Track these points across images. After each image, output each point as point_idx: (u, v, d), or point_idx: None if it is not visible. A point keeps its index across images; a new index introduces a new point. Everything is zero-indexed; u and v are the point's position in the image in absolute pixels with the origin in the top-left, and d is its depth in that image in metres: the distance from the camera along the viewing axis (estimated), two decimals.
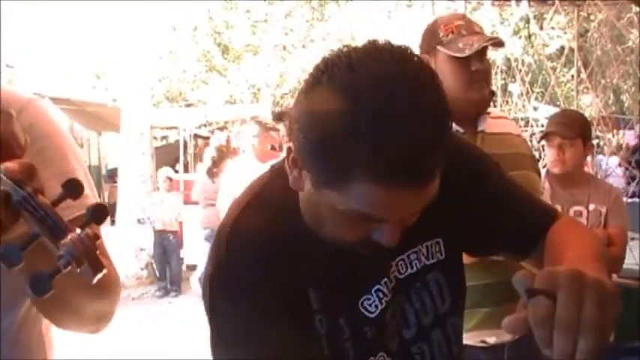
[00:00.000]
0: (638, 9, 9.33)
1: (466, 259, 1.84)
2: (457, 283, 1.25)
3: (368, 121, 0.89)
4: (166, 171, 9.55)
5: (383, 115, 0.89)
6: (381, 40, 0.97)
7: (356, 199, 0.93)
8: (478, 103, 2.07)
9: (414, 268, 1.17)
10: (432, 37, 2.10)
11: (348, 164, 0.91)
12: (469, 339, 2.02)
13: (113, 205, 10.14)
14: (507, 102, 10.61)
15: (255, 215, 1.10)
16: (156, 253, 9.20)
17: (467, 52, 2.01)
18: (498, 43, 2.10)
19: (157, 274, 9.20)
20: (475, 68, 2.03)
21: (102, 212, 0.86)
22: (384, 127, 0.88)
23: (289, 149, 1.01)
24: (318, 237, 1.05)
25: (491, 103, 2.23)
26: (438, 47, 2.06)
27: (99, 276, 0.82)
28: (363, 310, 1.12)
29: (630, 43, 10.94)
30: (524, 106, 10.51)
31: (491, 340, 2.08)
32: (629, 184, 10.00)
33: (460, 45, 2.02)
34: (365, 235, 1.01)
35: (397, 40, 0.97)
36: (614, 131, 12.74)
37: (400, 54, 0.95)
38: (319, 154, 0.94)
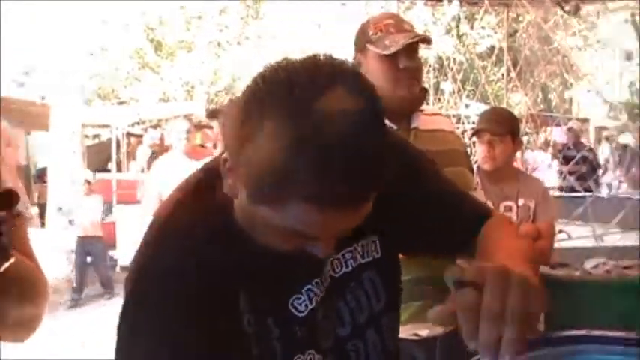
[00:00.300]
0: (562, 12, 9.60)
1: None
2: (393, 281, 1.26)
3: (306, 145, 0.86)
4: (85, 174, 9.29)
5: (321, 140, 0.86)
6: (322, 55, 0.95)
7: (291, 218, 0.92)
8: (407, 99, 2.10)
9: (350, 267, 1.17)
10: (362, 35, 2.13)
11: (285, 186, 0.88)
12: (402, 332, 2.03)
13: (43, 206, 9.89)
14: (439, 100, 10.78)
15: (187, 213, 1.08)
16: (77, 262, 8.77)
17: (392, 50, 2.03)
18: (424, 40, 2.12)
19: (74, 284, 8.72)
20: (403, 65, 2.05)
21: (5, 197, 0.83)
22: (322, 151, 0.86)
23: (225, 159, 0.98)
24: (250, 237, 1.03)
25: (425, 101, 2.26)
26: (368, 45, 2.09)
27: (6, 265, 0.79)
28: (292, 310, 1.11)
29: (556, 44, 11.25)
30: (455, 104, 10.69)
31: (424, 332, 2.10)
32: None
33: (387, 43, 2.05)
34: (298, 247, 1.00)
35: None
36: (543, 128, 13.11)
37: (341, 73, 0.92)
38: (255, 173, 0.91)
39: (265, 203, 0.93)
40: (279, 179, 0.88)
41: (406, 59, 2.05)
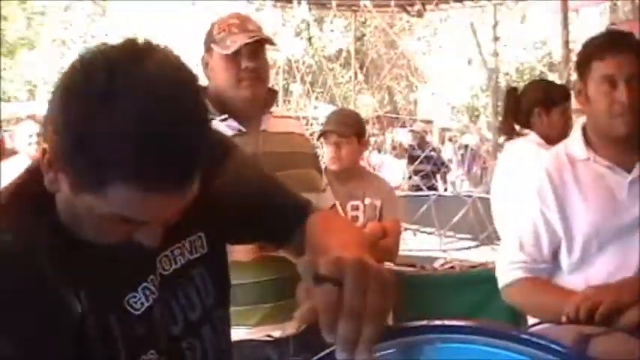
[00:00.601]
0: (408, 17, 10.00)
1: (247, 256, 1.88)
2: (221, 276, 1.27)
3: (124, 128, 0.87)
4: None
5: (139, 122, 0.88)
6: (141, 39, 0.96)
7: (114, 203, 0.92)
8: (250, 100, 2.10)
9: (179, 264, 1.18)
10: (208, 35, 2.13)
11: (105, 169, 0.89)
12: (255, 334, 2.06)
13: None
14: (289, 101, 10.93)
15: (12, 217, 1.04)
16: None
17: (232, 49, 2.04)
18: (265, 40, 2.14)
19: None
20: (245, 65, 2.06)
21: None
22: (140, 133, 0.88)
23: (44, 150, 0.96)
24: (75, 233, 1.02)
25: (275, 103, 2.28)
26: (212, 45, 2.09)
27: None
28: (129, 308, 1.10)
29: (401, 49, 11.67)
30: (305, 106, 10.86)
31: (277, 333, 2.12)
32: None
33: (228, 42, 2.06)
34: (126, 236, 1.00)
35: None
36: (389, 129, 13.55)
37: (160, 56, 0.94)
38: (75, 158, 0.91)
39: (87, 190, 0.93)
40: (98, 163, 0.89)
41: (248, 59, 2.06)
